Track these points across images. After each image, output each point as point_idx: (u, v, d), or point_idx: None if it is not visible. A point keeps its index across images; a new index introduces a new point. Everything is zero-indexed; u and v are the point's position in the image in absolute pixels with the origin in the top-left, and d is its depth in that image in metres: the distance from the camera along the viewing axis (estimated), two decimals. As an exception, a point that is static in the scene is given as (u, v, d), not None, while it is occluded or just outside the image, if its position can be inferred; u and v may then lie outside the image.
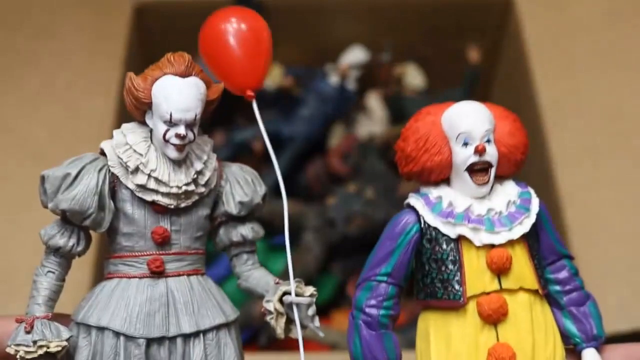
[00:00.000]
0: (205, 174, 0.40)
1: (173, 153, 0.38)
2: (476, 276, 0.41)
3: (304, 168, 0.80)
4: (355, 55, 0.79)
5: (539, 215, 0.43)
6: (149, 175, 0.39)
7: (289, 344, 0.66)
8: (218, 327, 0.40)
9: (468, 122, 0.40)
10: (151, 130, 0.39)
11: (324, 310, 0.71)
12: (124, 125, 0.39)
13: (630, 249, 0.58)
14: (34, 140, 0.64)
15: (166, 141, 0.38)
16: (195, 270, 0.41)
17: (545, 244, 0.43)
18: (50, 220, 0.62)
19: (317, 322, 0.41)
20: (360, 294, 0.42)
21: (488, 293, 0.41)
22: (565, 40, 0.71)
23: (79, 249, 0.39)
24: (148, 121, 0.39)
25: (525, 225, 0.42)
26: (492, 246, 0.41)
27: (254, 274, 0.43)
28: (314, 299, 0.41)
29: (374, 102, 0.84)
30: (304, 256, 0.66)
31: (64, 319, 0.39)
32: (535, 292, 0.42)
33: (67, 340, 0.37)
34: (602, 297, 0.56)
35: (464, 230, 0.41)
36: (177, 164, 0.39)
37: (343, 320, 0.69)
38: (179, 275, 0.40)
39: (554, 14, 0.73)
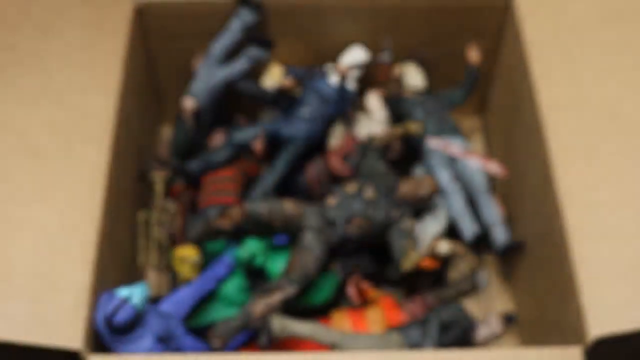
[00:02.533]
0: None
1: None
2: None
3: (304, 168, 0.80)
4: (356, 55, 0.79)
5: None
6: None
7: (289, 344, 0.66)
8: None
9: None
10: None
11: (324, 310, 0.71)
12: None
13: (630, 249, 0.58)
14: (34, 138, 0.64)
15: None
16: None
17: None
18: (51, 220, 0.62)
19: None
20: None
21: None
22: (565, 41, 0.71)
23: None
24: None
25: None
26: None
27: None
28: None
29: (374, 102, 0.84)
30: (304, 257, 0.66)
31: None
32: None
33: None
34: (603, 297, 0.56)
35: None
36: None
37: (343, 320, 0.69)
38: None
39: (554, 14, 0.73)
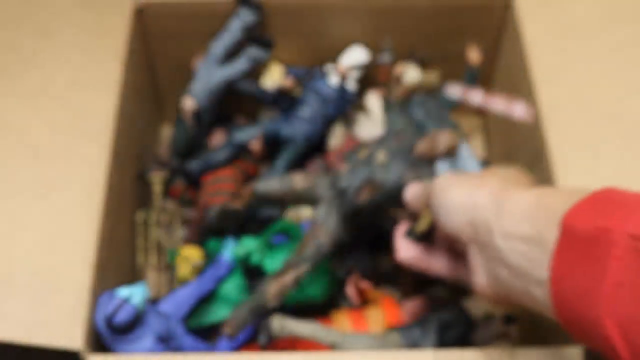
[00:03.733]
0: None
1: None
2: None
3: (304, 168, 0.80)
4: (356, 55, 0.79)
5: None
6: None
7: (289, 344, 0.66)
8: None
9: None
10: None
11: (323, 310, 0.71)
12: None
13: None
14: (34, 138, 0.64)
15: None
16: None
17: None
18: (51, 220, 0.62)
19: None
20: None
21: None
22: (565, 40, 0.71)
23: None
24: None
25: None
26: None
27: None
28: None
29: (374, 102, 0.84)
30: (316, 231, 0.64)
31: None
32: None
33: None
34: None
35: None
36: None
37: (343, 320, 0.69)
38: None
39: (554, 14, 0.73)
